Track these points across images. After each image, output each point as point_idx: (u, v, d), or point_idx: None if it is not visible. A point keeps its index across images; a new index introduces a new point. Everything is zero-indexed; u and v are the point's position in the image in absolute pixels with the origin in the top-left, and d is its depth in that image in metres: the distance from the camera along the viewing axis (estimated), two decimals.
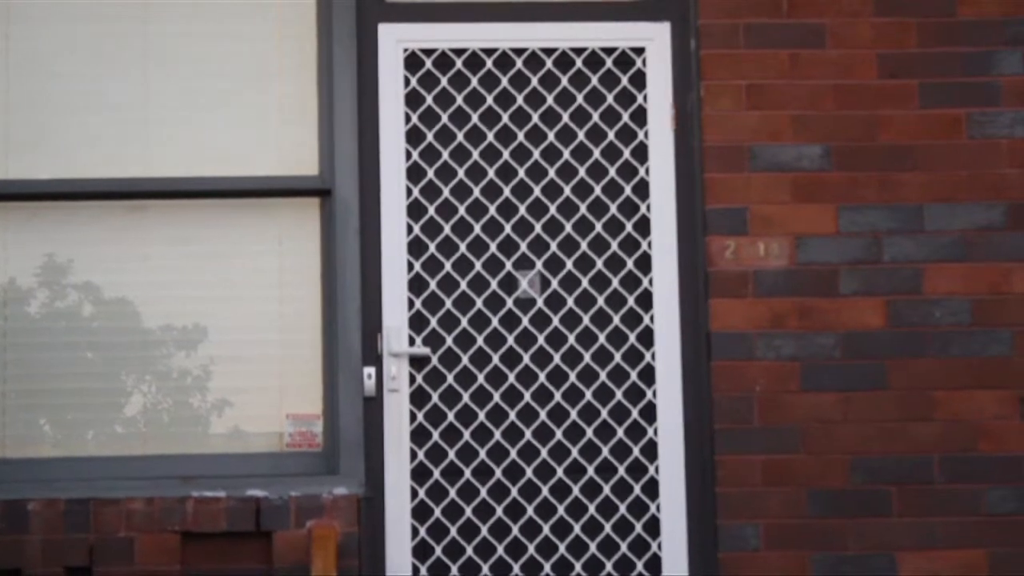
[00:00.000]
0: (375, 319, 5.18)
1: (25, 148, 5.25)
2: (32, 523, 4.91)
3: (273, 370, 5.23)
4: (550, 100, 5.33)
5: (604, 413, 5.21)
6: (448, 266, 5.25)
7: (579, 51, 5.34)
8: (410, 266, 5.24)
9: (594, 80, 5.34)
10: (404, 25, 5.31)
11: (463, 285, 5.25)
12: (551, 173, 5.30)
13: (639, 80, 5.34)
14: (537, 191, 5.29)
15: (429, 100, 5.31)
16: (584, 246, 5.28)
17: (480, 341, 5.23)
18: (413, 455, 5.17)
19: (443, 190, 5.28)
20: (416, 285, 5.24)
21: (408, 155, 5.28)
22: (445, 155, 5.29)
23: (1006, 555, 5.04)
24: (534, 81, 5.34)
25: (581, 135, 5.32)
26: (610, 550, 5.16)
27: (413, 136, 5.29)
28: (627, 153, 5.32)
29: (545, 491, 5.18)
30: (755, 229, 5.15)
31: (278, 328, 5.24)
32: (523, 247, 5.27)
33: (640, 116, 5.32)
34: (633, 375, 5.23)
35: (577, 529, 5.17)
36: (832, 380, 5.10)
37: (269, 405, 5.22)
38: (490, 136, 5.31)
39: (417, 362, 5.21)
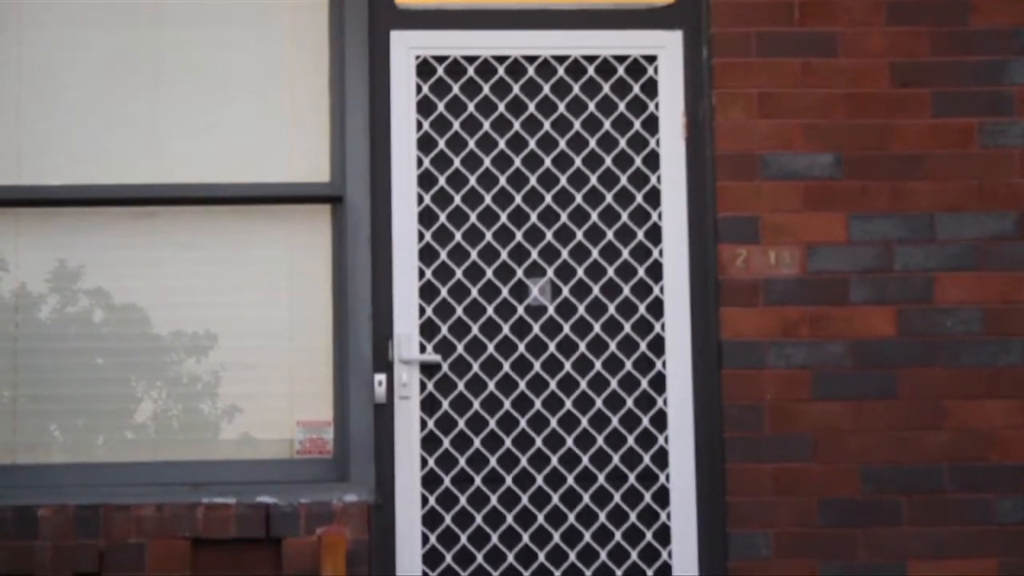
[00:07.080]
0: (386, 326, 5.18)
1: (37, 154, 5.25)
2: (42, 529, 4.91)
3: (284, 376, 5.23)
4: (561, 108, 5.33)
5: (615, 421, 5.21)
6: (459, 273, 5.25)
7: (591, 59, 5.34)
8: (421, 273, 5.23)
9: (606, 88, 5.34)
10: (416, 32, 5.31)
11: (474, 292, 5.25)
12: (562, 181, 5.30)
13: (651, 88, 5.34)
14: (548, 199, 5.29)
15: (441, 107, 5.31)
16: (595, 254, 5.27)
17: (491, 348, 5.23)
18: (423, 462, 5.16)
19: (454, 197, 5.28)
20: (427, 292, 5.24)
21: (420, 162, 5.28)
22: (456, 162, 5.29)
23: (1017, 565, 5.03)
24: (546, 89, 5.33)
25: (592, 143, 5.32)
26: (620, 558, 5.16)
27: (424, 143, 5.29)
28: (638, 161, 5.32)
29: (555, 499, 5.18)
30: (766, 238, 5.15)
31: (289, 335, 5.24)
32: (534, 255, 5.27)
33: (652, 124, 5.32)
34: (644, 383, 5.23)
35: (587, 537, 5.17)
36: (843, 389, 5.10)
37: (279, 411, 5.22)
38: (501, 143, 5.31)
39: (428, 369, 5.20)
